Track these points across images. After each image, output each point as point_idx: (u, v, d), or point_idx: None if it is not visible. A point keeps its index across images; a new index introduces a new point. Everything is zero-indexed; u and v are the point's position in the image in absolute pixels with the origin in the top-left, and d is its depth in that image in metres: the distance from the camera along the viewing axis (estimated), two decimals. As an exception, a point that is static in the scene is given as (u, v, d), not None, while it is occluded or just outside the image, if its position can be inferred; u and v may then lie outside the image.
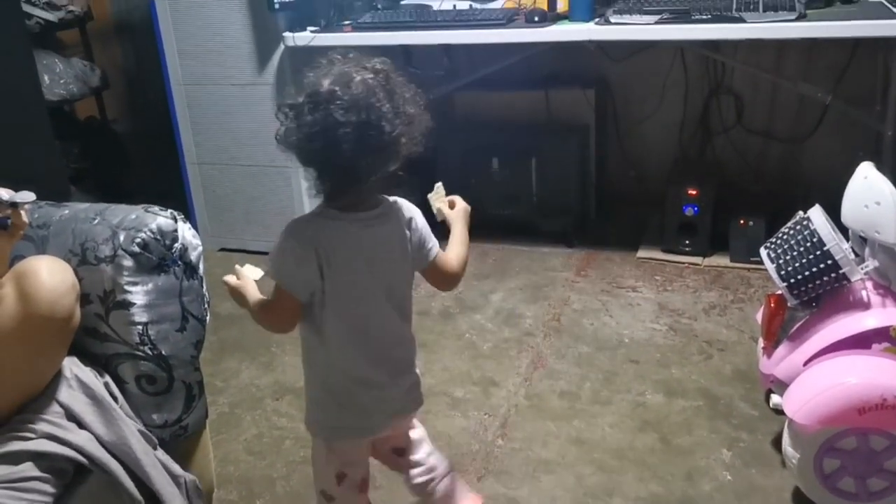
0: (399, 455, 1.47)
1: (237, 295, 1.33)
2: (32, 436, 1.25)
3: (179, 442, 1.48)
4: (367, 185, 1.21)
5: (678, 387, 2.12)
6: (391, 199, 1.31)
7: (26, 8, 3.03)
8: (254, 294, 1.32)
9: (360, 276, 1.26)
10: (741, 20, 2.25)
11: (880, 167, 1.65)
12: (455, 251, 1.40)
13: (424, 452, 1.47)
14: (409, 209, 1.33)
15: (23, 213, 1.26)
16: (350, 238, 1.24)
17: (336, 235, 1.23)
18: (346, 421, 1.34)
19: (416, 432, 1.47)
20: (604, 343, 2.34)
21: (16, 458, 1.22)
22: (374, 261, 1.26)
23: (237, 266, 1.36)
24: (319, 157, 1.18)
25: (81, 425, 1.31)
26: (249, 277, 1.34)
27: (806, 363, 1.65)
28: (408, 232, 1.31)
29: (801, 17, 2.22)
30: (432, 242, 1.35)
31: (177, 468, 1.43)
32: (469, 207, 1.46)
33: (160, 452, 1.41)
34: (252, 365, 2.35)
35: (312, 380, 1.36)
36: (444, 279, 1.39)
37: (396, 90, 1.18)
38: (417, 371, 1.41)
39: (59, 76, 3.18)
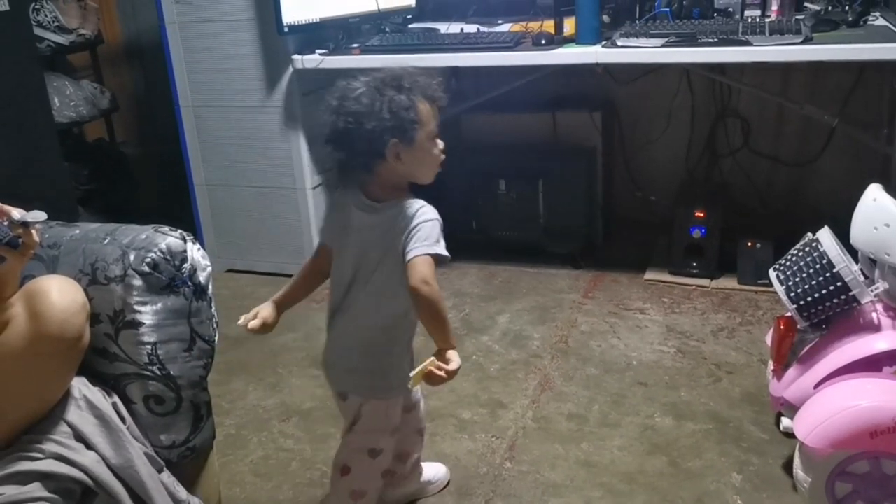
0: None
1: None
2: (40, 456, 1.24)
3: (186, 463, 1.48)
4: (354, 175, 1.44)
5: (687, 410, 2.10)
6: (412, 201, 1.43)
7: (38, 31, 3.06)
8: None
9: (343, 242, 1.49)
10: (747, 43, 2.26)
11: (888, 189, 1.65)
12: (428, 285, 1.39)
13: None
14: (417, 215, 1.40)
15: (34, 232, 1.26)
16: (346, 208, 1.47)
17: (343, 202, 1.49)
18: None
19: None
20: (612, 365, 2.33)
21: (24, 479, 1.21)
22: (352, 237, 1.47)
23: None
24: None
25: (89, 446, 1.31)
26: None
27: (816, 386, 1.64)
28: (402, 230, 1.40)
29: (807, 41, 2.23)
30: (416, 248, 1.38)
31: (182, 492, 1.43)
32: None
33: (166, 475, 1.41)
34: (259, 386, 2.34)
35: None
36: (410, 285, 1.39)
37: (381, 98, 1.36)
38: (373, 363, 1.50)
39: (69, 98, 3.21)
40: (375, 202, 1.45)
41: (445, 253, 1.40)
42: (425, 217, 1.40)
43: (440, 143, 1.44)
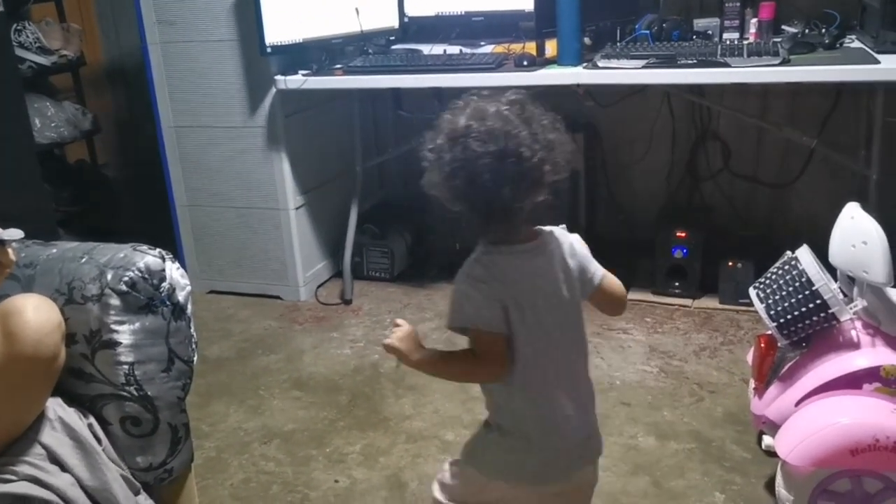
0: None
1: (401, 354, 1.28)
2: (13, 478, 1.22)
3: (163, 486, 1.46)
4: (518, 215, 1.20)
5: (670, 429, 2.10)
6: (546, 229, 1.29)
7: (19, 52, 3.05)
8: (430, 352, 1.30)
9: (541, 313, 1.24)
10: (726, 65, 2.28)
11: (866, 208, 1.66)
12: None
13: None
14: (565, 235, 1.30)
15: (10, 251, 1.25)
16: (524, 271, 1.23)
17: (512, 270, 1.22)
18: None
19: None
20: (595, 385, 2.31)
21: (-4, 502, 1.19)
22: (544, 294, 1.25)
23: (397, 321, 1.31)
24: (464, 193, 1.17)
25: (64, 468, 1.29)
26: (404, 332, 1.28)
27: (797, 404, 1.65)
28: (569, 260, 1.28)
29: (785, 63, 2.26)
30: (594, 266, 1.31)
31: (160, 515, 1.41)
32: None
33: (143, 498, 1.39)
34: (240, 409, 2.32)
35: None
36: (612, 302, 1.35)
37: (533, 118, 1.18)
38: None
39: (50, 120, 3.19)
40: (534, 241, 1.27)
41: None
42: (572, 236, 1.33)
43: None
